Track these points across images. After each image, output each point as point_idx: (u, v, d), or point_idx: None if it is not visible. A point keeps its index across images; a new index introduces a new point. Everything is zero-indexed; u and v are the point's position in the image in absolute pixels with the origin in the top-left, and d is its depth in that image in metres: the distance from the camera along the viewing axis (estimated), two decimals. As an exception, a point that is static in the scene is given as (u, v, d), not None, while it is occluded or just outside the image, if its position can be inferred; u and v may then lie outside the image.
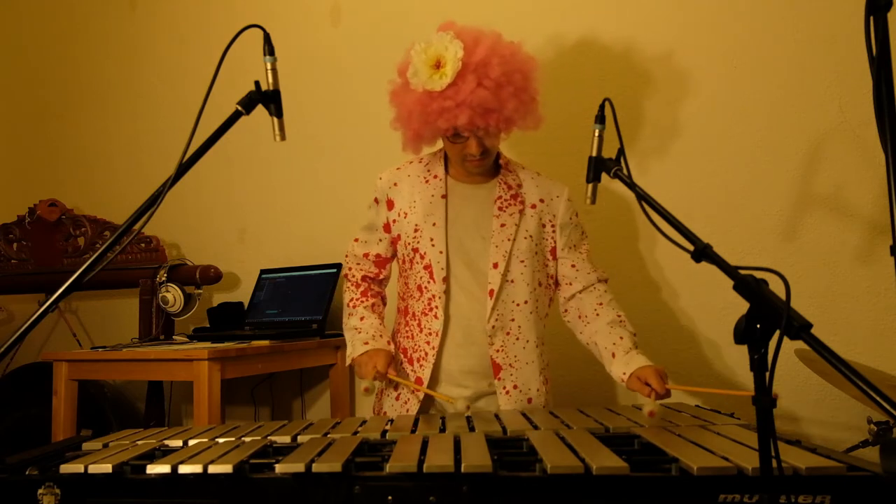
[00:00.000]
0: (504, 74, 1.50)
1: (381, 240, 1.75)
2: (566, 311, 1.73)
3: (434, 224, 1.65)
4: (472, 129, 1.54)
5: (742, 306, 0.87)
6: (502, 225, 1.64)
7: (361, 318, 1.71)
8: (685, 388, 1.68)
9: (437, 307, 1.62)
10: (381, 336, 1.67)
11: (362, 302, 1.74)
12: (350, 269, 1.79)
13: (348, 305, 1.75)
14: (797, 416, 1.99)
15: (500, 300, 1.62)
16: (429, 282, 1.64)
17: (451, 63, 1.47)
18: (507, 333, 1.63)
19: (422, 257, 1.65)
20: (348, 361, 1.68)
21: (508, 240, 1.63)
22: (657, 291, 2.15)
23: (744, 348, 0.85)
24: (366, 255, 1.77)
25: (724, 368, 2.07)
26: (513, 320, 1.64)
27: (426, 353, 1.63)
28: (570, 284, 1.70)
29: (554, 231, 1.70)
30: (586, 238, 1.76)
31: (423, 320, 1.65)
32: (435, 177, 1.70)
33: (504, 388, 1.62)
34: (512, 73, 1.52)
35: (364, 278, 1.77)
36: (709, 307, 2.08)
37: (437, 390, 1.63)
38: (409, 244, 1.68)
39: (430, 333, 1.63)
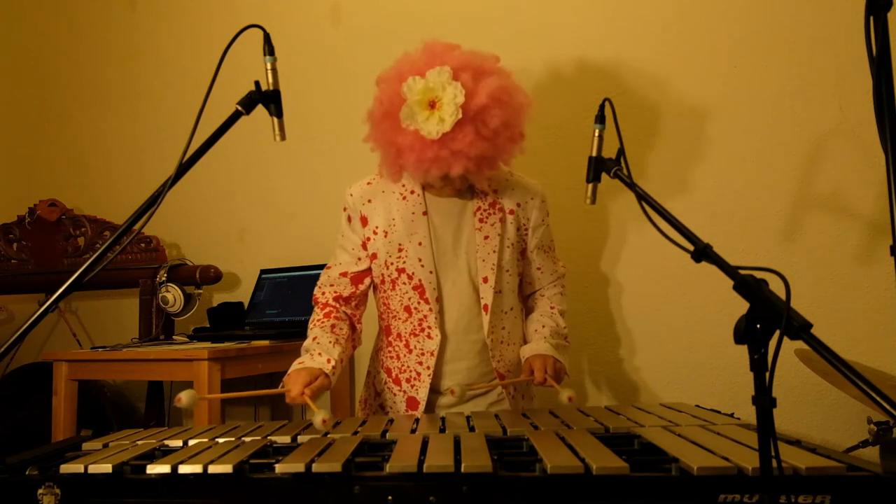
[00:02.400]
0: (503, 124, 1.43)
1: (360, 258, 1.66)
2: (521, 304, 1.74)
3: (420, 244, 1.59)
4: (464, 176, 1.49)
5: (742, 306, 0.87)
6: (486, 237, 1.61)
7: (314, 339, 1.55)
8: (553, 384, 1.52)
9: (430, 327, 1.59)
10: (320, 354, 1.50)
11: (319, 323, 1.60)
12: (323, 293, 1.66)
13: (308, 329, 1.61)
14: (797, 416, 1.99)
15: (493, 313, 1.61)
16: (419, 302, 1.60)
17: (449, 108, 1.37)
18: (502, 342, 1.64)
19: (409, 277, 1.60)
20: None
21: (494, 252, 1.60)
22: (656, 292, 2.15)
23: (744, 348, 0.85)
24: (343, 275, 1.66)
25: (724, 368, 2.07)
26: (503, 328, 1.64)
27: (419, 374, 1.61)
28: (531, 284, 1.73)
29: (527, 233, 1.67)
30: (551, 234, 1.74)
31: (413, 341, 1.62)
32: (412, 192, 1.62)
33: (510, 394, 1.66)
34: (509, 118, 1.45)
35: (336, 298, 1.65)
36: (709, 307, 2.08)
37: (437, 406, 1.64)
38: (391, 264, 1.61)
39: (424, 353, 1.61)
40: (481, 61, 1.46)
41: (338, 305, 1.65)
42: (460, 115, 1.37)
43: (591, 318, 2.19)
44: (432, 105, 1.39)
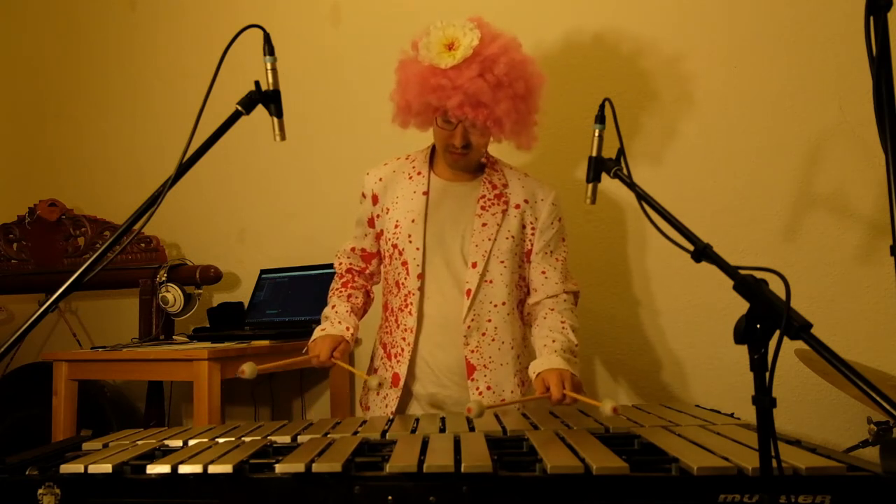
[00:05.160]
0: (507, 75, 1.50)
1: (366, 234, 1.77)
2: (528, 314, 1.69)
3: (413, 221, 1.65)
4: (459, 116, 1.53)
5: (742, 306, 0.87)
6: (484, 224, 1.63)
7: (333, 307, 1.71)
8: (584, 399, 1.35)
9: (412, 304, 1.63)
10: (340, 322, 1.65)
11: (338, 292, 1.75)
12: (340, 262, 1.81)
13: (328, 297, 1.76)
14: (797, 416, 1.99)
15: (476, 300, 1.61)
16: (405, 278, 1.64)
17: (463, 48, 1.48)
18: (483, 334, 1.62)
19: (400, 253, 1.65)
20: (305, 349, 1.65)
21: (489, 239, 1.62)
22: (656, 291, 2.15)
23: (744, 348, 0.85)
24: (353, 250, 1.79)
25: (724, 368, 2.07)
26: (489, 321, 1.62)
27: (402, 350, 1.64)
28: (536, 291, 1.67)
29: (533, 233, 1.66)
30: (565, 246, 1.71)
31: (400, 316, 1.65)
32: (419, 174, 1.70)
33: (477, 388, 1.60)
34: (516, 78, 1.52)
35: (349, 270, 1.79)
36: (709, 307, 2.08)
37: (414, 387, 1.66)
38: (389, 240, 1.68)
39: (406, 330, 1.63)
40: (508, 36, 1.57)
41: (353, 276, 1.79)
42: (470, 53, 1.48)
43: (591, 319, 2.19)
44: (451, 47, 1.51)
